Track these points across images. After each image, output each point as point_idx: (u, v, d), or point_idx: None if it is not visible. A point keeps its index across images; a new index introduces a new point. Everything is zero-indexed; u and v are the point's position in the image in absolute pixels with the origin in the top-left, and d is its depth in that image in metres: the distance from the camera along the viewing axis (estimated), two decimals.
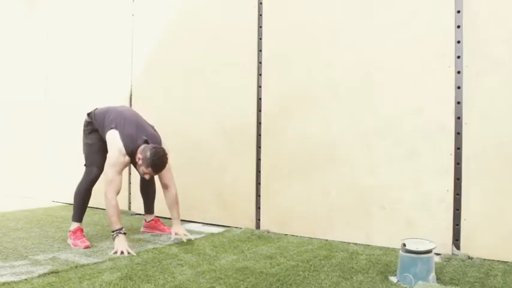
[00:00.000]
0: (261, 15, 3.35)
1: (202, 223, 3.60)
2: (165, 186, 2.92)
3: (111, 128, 2.74)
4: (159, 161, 2.64)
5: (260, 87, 3.35)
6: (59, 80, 4.80)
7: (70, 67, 4.69)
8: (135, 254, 2.54)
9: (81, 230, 2.85)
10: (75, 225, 2.85)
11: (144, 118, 3.02)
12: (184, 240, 2.87)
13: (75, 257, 2.51)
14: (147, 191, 3.24)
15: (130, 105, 4.14)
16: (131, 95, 4.16)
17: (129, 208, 4.09)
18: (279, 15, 3.28)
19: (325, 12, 3.08)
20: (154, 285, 2.02)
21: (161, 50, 3.96)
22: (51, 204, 4.59)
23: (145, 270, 2.25)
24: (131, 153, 2.70)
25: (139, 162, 2.67)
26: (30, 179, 5.05)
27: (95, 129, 2.92)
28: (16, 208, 4.28)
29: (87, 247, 2.73)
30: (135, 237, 3.07)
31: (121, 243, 2.58)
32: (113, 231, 2.62)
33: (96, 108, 3.00)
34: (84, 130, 2.98)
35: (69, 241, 2.82)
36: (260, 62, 3.35)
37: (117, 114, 2.82)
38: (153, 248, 2.73)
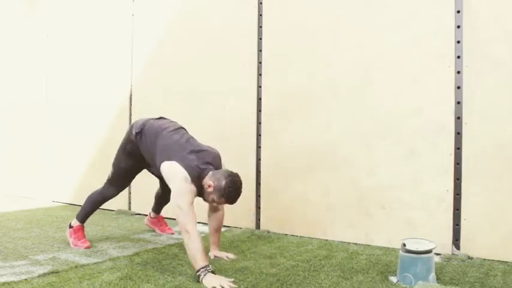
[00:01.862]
0: (261, 15, 3.36)
1: (202, 223, 3.60)
2: (215, 209, 2.55)
3: (168, 159, 2.35)
4: (235, 193, 2.29)
5: (260, 87, 3.35)
6: (59, 80, 4.80)
7: (70, 67, 4.69)
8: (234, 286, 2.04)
9: (83, 230, 2.85)
10: (77, 223, 2.85)
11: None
12: (229, 258, 2.51)
13: (75, 257, 2.51)
14: (164, 198, 3.08)
15: (130, 104, 4.15)
16: (131, 95, 4.16)
17: (129, 208, 4.08)
18: (279, 15, 3.28)
19: (325, 12, 3.08)
20: (154, 285, 2.02)
21: (161, 50, 3.96)
22: (51, 204, 4.59)
23: (145, 270, 2.25)
24: (196, 181, 2.31)
25: (209, 189, 2.28)
26: (30, 179, 5.06)
27: (136, 149, 2.62)
28: (16, 208, 4.28)
29: (87, 248, 2.72)
30: (135, 237, 3.07)
31: (216, 279, 2.05)
32: (198, 270, 2.09)
33: (147, 121, 2.62)
34: (124, 142, 2.69)
35: (69, 239, 2.81)
36: (260, 62, 3.35)
37: (171, 140, 2.46)
38: (153, 248, 2.73)
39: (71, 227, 2.85)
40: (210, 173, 2.31)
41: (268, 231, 3.23)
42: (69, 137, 4.61)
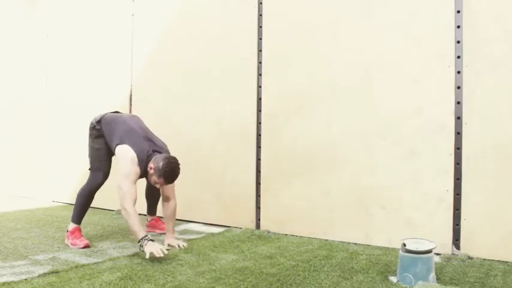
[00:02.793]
0: (261, 15, 3.36)
1: (202, 223, 3.60)
2: (166, 199, 2.86)
3: (121, 142, 2.68)
4: (171, 172, 2.59)
5: (260, 87, 3.35)
6: (59, 80, 4.80)
7: (70, 67, 4.69)
8: (166, 253, 2.44)
9: (80, 230, 2.85)
10: (73, 225, 2.85)
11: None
12: (181, 247, 2.75)
13: (75, 257, 2.51)
14: (152, 196, 3.26)
15: (130, 104, 4.15)
16: (131, 95, 4.16)
17: None
18: (279, 15, 3.28)
19: (325, 12, 3.08)
20: (155, 285, 2.02)
21: (161, 49, 3.96)
22: (51, 204, 4.59)
23: (145, 270, 2.25)
24: (142, 164, 2.64)
25: (151, 171, 2.61)
26: (30, 179, 5.06)
27: (101, 135, 2.86)
28: (16, 208, 4.28)
29: (86, 245, 2.73)
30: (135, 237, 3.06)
31: (153, 246, 2.44)
32: (139, 241, 2.49)
33: (105, 114, 2.91)
34: (90, 134, 2.92)
35: (68, 241, 2.82)
36: (260, 62, 3.35)
37: (126, 126, 2.77)
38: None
39: (67, 231, 2.86)
40: (153, 157, 2.65)
41: (268, 231, 3.23)
42: (69, 137, 4.61)
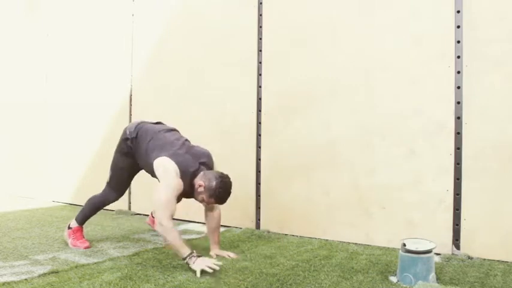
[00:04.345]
0: (261, 15, 3.36)
1: (202, 223, 3.59)
2: (211, 209, 2.59)
3: (160, 155, 2.41)
4: (225, 194, 2.37)
5: (260, 87, 3.35)
6: (59, 80, 4.80)
7: (70, 67, 4.69)
8: (218, 268, 2.18)
9: (81, 231, 2.84)
10: (76, 224, 2.84)
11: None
12: (231, 257, 2.51)
13: (75, 257, 2.51)
14: None
15: (130, 104, 4.15)
16: (131, 95, 4.16)
17: (129, 208, 4.08)
18: (279, 15, 3.28)
19: (325, 12, 3.08)
20: (155, 285, 2.02)
21: (161, 50, 3.96)
22: (51, 204, 4.59)
23: (145, 270, 2.25)
24: (186, 179, 2.39)
25: (200, 189, 2.37)
26: (30, 178, 5.05)
27: (130, 153, 2.64)
28: (16, 208, 4.28)
29: (87, 247, 2.72)
30: (135, 237, 3.07)
31: (203, 262, 2.18)
32: (184, 258, 2.21)
33: (141, 125, 2.66)
34: (118, 145, 2.71)
35: (68, 240, 2.81)
36: (260, 62, 3.35)
37: (165, 140, 2.52)
38: (153, 248, 2.73)
39: (69, 228, 2.85)
40: (202, 173, 2.40)
41: (268, 231, 3.23)
42: (69, 137, 4.61)
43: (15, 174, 5.27)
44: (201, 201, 2.44)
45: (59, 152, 4.76)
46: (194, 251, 2.23)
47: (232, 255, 2.53)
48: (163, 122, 2.80)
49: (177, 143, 2.51)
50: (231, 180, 2.42)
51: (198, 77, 3.69)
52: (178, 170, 2.35)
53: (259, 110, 3.36)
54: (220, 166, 3.53)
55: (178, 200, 2.45)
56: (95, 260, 2.44)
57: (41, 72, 4.96)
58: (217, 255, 2.52)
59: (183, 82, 3.78)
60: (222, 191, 2.35)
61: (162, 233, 2.27)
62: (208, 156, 2.57)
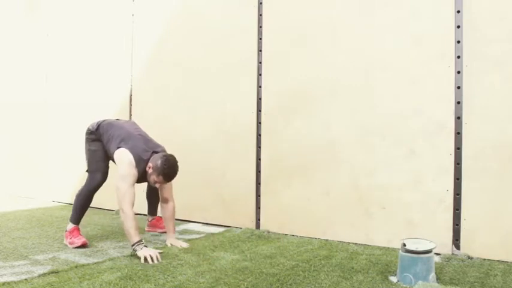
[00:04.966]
0: (261, 15, 3.36)
1: (202, 223, 3.60)
2: (164, 200, 2.87)
3: (119, 146, 2.70)
4: (170, 170, 2.61)
5: (260, 87, 3.35)
6: (59, 80, 4.80)
7: (70, 67, 4.69)
8: (160, 260, 2.42)
9: (78, 229, 2.85)
10: (72, 225, 2.86)
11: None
12: (183, 247, 2.75)
13: (75, 257, 2.51)
14: (153, 195, 3.26)
15: (130, 104, 4.15)
16: (131, 95, 4.16)
17: None
18: (279, 15, 3.28)
19: (325, 12, 3.08)
20: (155, 285, 2.02)
21: (161, 50, 3.96)
22: (51, 204, 4.59)
23: (145, 270, 2.25)
24: (140, 167, 2.65)
25: (150, 171, 2.63)
26: (30, 178, 5.06)
27: (98, 139, 2.88)
28: (16, 208, 4.28)
29: (84, 243, 2.73)
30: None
31: (148, 251, 2.44)
32: (133, 245, 2.49)
33: (103, 121, 2.93)
34: (86, 139, 2.94)
35: (66, 241, 2.82)
36: (260, 62, 3.35)
37: (123, 131, 2.78)
38: (153, 248, 2.73)
39: (66, 231, 2.86)
40: (151, 157, 2.67)
41: (268, 231, 3.23)
42: (69, 136, 4.61)
43: (15, 174, 5.27)
44: (153, 183, 2.66)
45: (59, 152, 4.76)
46: (143, 240, 2.52)
47: (184, 245, 2.77)
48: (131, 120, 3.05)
49: (134, 134, 2.77)
50: (176, 158, 2.66)
51: (198, 77, 3.69)
52: (133, 161, 2.62)
53: (259, 110, 3.36)
54: (220, 166, 3.55)
55: (139, 182, 2.71)
56: (95, 260, 2.44)
57: (41, 72, 4.97)
58: (172, 245, 2.78)
59: (183, 82, 3.78)
60: (166, 167, 2.59)
61: (122, 218, 2.55)
62: (163, 149, 2.80)
